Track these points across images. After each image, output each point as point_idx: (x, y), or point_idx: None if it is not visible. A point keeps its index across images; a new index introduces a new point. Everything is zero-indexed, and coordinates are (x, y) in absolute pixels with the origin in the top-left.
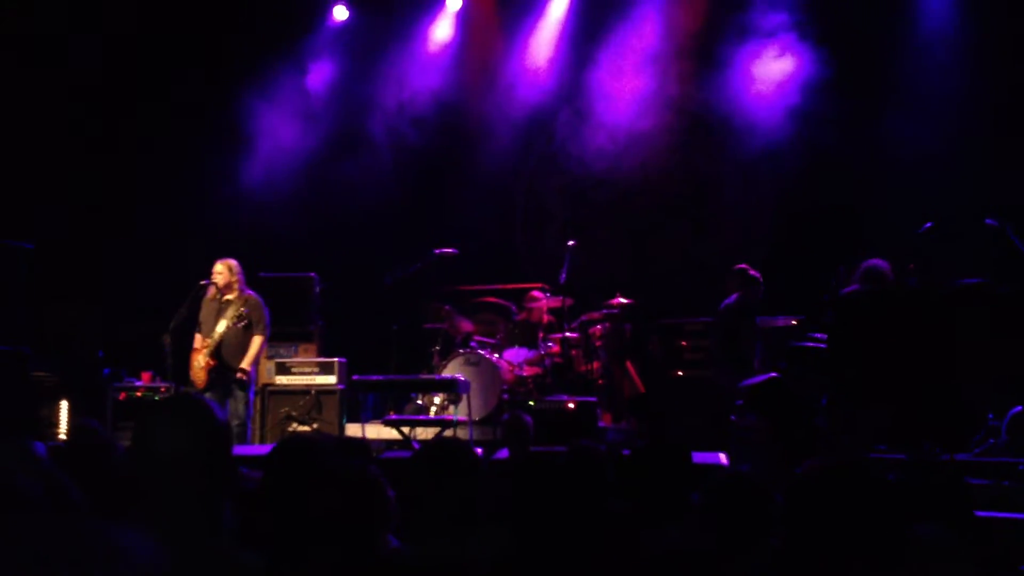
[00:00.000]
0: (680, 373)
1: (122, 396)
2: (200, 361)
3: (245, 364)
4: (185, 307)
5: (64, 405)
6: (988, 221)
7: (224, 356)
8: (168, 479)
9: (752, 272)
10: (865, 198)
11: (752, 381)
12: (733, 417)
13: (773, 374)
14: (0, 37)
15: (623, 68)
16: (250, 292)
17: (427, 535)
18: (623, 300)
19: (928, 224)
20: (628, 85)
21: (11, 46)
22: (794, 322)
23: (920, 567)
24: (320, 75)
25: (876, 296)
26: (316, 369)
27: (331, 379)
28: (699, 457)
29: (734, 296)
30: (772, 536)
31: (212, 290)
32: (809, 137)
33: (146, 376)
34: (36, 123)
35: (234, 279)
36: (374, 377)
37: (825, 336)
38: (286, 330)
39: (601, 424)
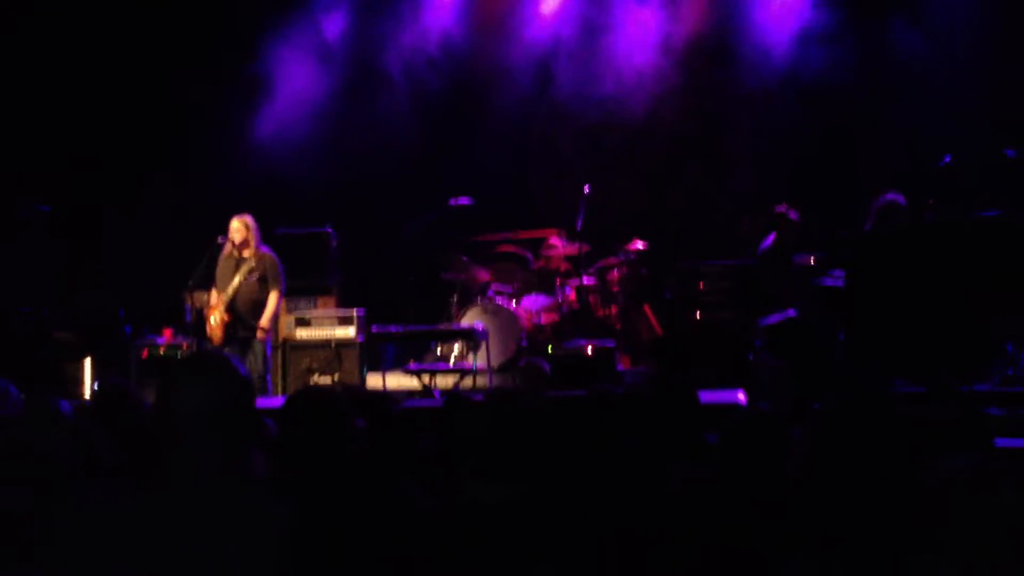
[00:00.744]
0: (698, 315)
1: (144, 353)
2: (216, 317)
3: (264, 322)
4: (203, 264)
5: (87, 364)
6: (1008, 152)
7: (239, 311)
8: (193, 434)
9: (791, 213)
10: (882, 130)
11: (770, 319)
12: (751, 356)
13: (791, 312)
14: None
15: (631, 8)
16: (265, 249)
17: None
18: (640, 244)
19: (947, 157)
20: (637, 25)
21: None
22: (812, 259)
23: (941, 498)
24: (334, 22)
25: (894, 232)
26: (335, 322)
27: (350, 331)
28: (717, 396)
29: (771, 238)
30: (790, 471)
31: (228, 247)
32: (823, 68)
33: (168, 333)
34: (51, 79)
35: (250, 235)
36: (393, 328)
37: (843, 273)
38: (304, 284)
39: (620, 367)
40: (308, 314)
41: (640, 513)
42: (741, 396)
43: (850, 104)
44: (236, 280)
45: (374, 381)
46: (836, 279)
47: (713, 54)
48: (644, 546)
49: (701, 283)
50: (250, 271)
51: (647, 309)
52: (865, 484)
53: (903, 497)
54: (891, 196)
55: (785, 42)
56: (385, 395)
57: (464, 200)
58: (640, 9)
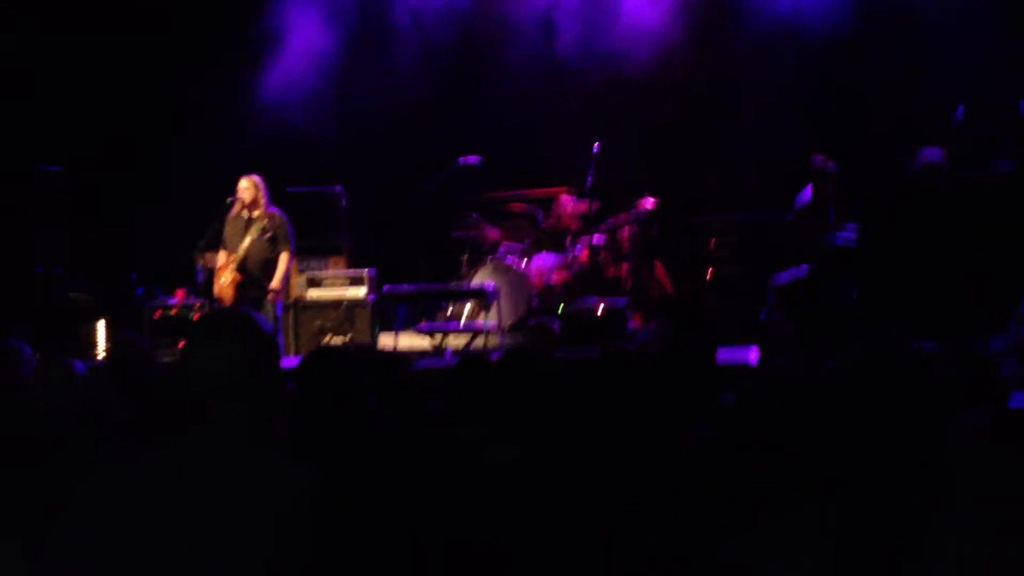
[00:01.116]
0: (709, 272)
1: (157, 314)
2: (227, 277)
3: (275, 283)
4: (214, 225)
5: (101, 325)
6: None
7: (250, 271)
8: (219, 393)
9: (829, 165)
10: (893, 80)
11: (782, 278)
12: (763, 314)
13: (802, 270)
14: None
15: None
16: (274, 209)
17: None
18: (649, 201)
19: (961, 109)
20: None
21: None
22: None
23: (957, 456)
24: None
25: (907, 187)
26: (346, 281)
27: (361, 291)
28: (729, 354)
29: (809, 191)
30: (803, 431)
31: (237, 207)
32: (830, 17)
33: (180, 294)
34: (64, 45)
35: (259, 195)
36: (404, 288)
37: (855, 229)
38: (315, 244)
39: (631, 326)
40: (319, 274)
41: (652, 475)
42: (753, 354)
43: (860, 54)
44: (247, 240)
45: (386, 341)
46: (848, 239)
47: (719, 5)
48: (655, 508)
49: (712, 240)
50: (262, 230)
51: (658, 267)
52: (880, 443)
53: (919, 457)
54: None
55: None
56: (398, 355)
57: (473, 159)
58: None
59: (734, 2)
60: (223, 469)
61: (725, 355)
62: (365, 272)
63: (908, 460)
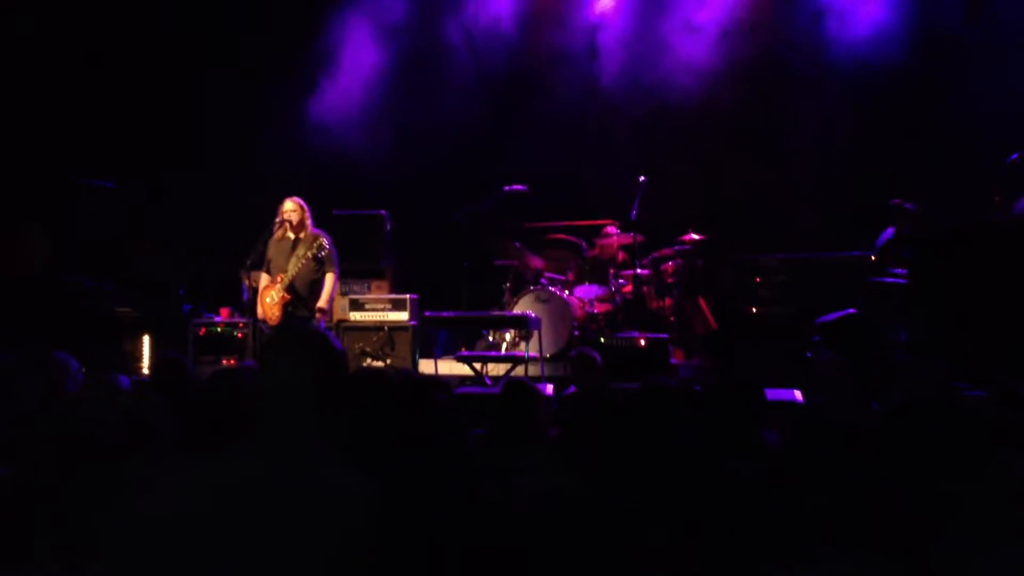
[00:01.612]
0: (754, 309)
1: (202, 331)
2: (274, 297)
3: (322, 303)
4: (261, 243)
5: (146, 340)
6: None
7: (298, 291)
8: (292, 403)
9: (907, 205)
10: (948, 125)
11: (829, 317)
12: (809, 353)
13: (851, 309)
14: None
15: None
16: (319, 231)
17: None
18: (695, 235)
19: (1015, 155)
20: (694, 11)
21: None
22: (873, 257)
23: (1008, 501)
24: (392, 8)
25: (959, 229)
26: (389, 306)
27: (403, 315)
28: (774, 394)
29: (890, 231)
30: (850, 473)
31: (281, 229)
32: (886, 57)
33: (224, 312)
34: (116, 52)
35: (304, 217)
36: (446, 313)
37: (905, 271)
38: (358, 267)
39: (673, 361)
40: (362, 297)
41: (689, 507)
42: (798, 394)
43: (912, 92)
44: (294, 261)
45: (426, 366)
46: (897, 277)
47: (771, 40)
48: (693, 539)
49: (758, 277)
50: (309, 252)
51: (702, 302)
52: (928, 487)
53: (969, 501)
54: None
55: (845, 28)
56: (439, 380)
57: (519, 187)
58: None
59: (784, 36)
60: (287, 479)
61: (768, 394)
62: (408, 297)
63: (954, 505)
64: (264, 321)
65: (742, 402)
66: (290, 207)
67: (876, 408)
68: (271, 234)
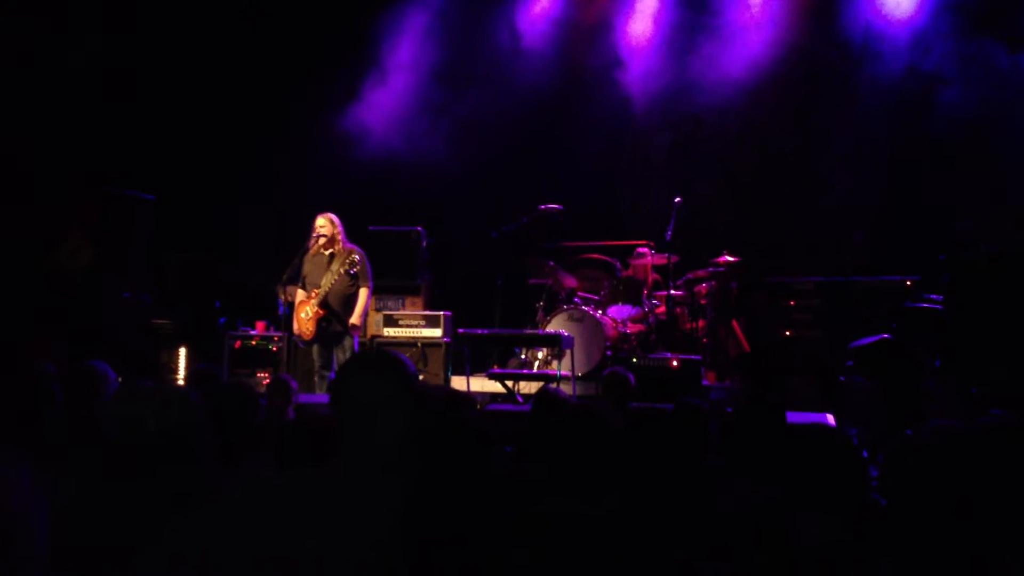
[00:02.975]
0: (788, 333)
1: (237, 344)
2: (308, 312)
3: (355, 318)
4: (297, 258)
5: (182, 352)
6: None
7: (332, 306)
8: (371, 427)
9: None
10: (987, 152)
11: (863, 342)
12: (842, 378)
13: (885, 335)
14: None
15: (729, 18)
16: (352, 245)
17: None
18: (729, 258)
19: None
20: (734, 35)
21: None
22: (908, 282)
23: None
24: (427, 25)
25: (996, 255)
26: (422, 322)
27: (437, 332)
28: (805, 418)
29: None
30: (873, 497)
31: (314, 245)
32: (927, 85)
33: (260, 326)
34: (161, 70)
35: (336, 232)
36: (479, 331)
37: (940, 297)
38: (393, 283)
39: (705, 383)
40: (397, 313)
41: (716, 532)
42: (830, 419)
43: (955, 126)
44: (328, 276)
45: (458, 383)
46: (933, 303)
47: (811, 66)
48: (718, 566)
49: (792, 300)
50: (351, 265)
51: (735, 324)
52: (957, 518)
53: (999, 532)
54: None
55: (888, 63)
56: (470, 396)
57: (554, 206)
58: (738, 19)
59: (825, 58)
60: (358, 496)
61: (800, 418)
62: (441, 314)
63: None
64: (299, 336)
65: (766, 426)
66: (321, 223)
67: (910, 435)
68: (307, 250)
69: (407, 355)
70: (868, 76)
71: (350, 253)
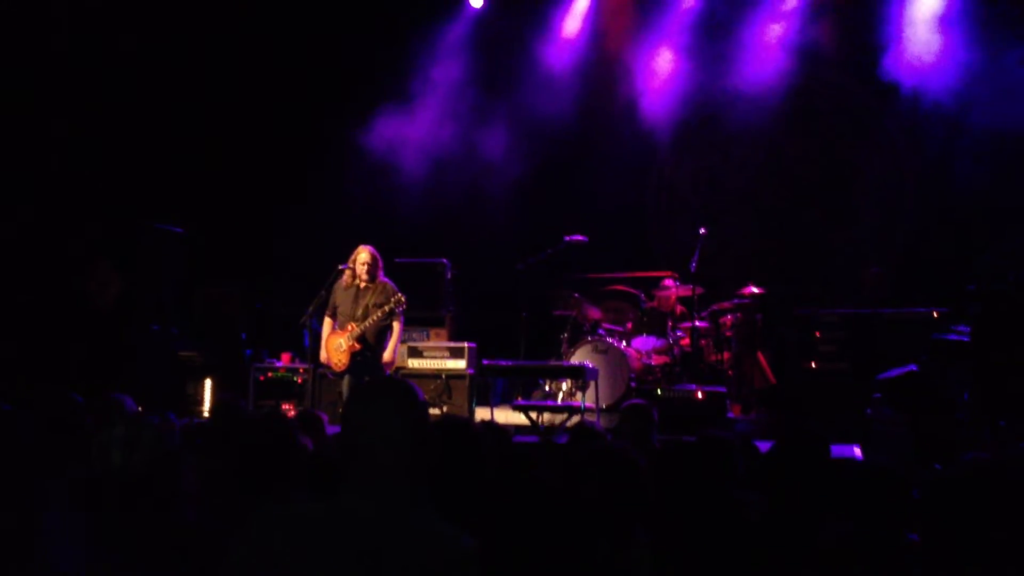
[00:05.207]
0: (813, 365)
1: (262, 377)
2: (343, 345)
3: (388, 355)
4: (324, 291)
5: (208, 384)
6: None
7: (367, 341)
8: (382, 454)
9: None
10: (1014, 182)
11: (890, 373)
12: (869, 410)
13: (912, 367)
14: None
15: (756, 47)
16: (387, 280)
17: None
18: (755, 289)
19: None
20: (761, 65)
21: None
22: (936, 314)
23: None
24: (452, 58)
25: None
26: (447, 353)
27: (461, 363)
28: (833, 451)
29: None
30: (910, 532)
31: (347, 277)
32: (956, 118)
33: (285, 357)
34: (192, 102)
35: (377, 269)
36: (503, 362)
37: (969, 329)
38: (418, 315)
39: (730, 415)
40: (421, 344)
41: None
42: (857, 452)
43: (984, 158)
44: (369, 312)
45: (482, 415)
46: (961, 334)
47: (840, 98)
48: None
49: (817, 332)
50: (396, 304)
51: (760, 356)
52: (989, 552)
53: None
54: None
55: (915, 89)
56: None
57: (579, 237)
58: (765, 48)
59: (854, 91)
60: (382, 526)
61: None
62: (466, 345)
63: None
64: (328, 367)
65: (809, 460)
66: (364, 258)
67: (939, 469)
68: (337, 277)
69: (431, 387)
70: (896, 108)
71: (385, 287)
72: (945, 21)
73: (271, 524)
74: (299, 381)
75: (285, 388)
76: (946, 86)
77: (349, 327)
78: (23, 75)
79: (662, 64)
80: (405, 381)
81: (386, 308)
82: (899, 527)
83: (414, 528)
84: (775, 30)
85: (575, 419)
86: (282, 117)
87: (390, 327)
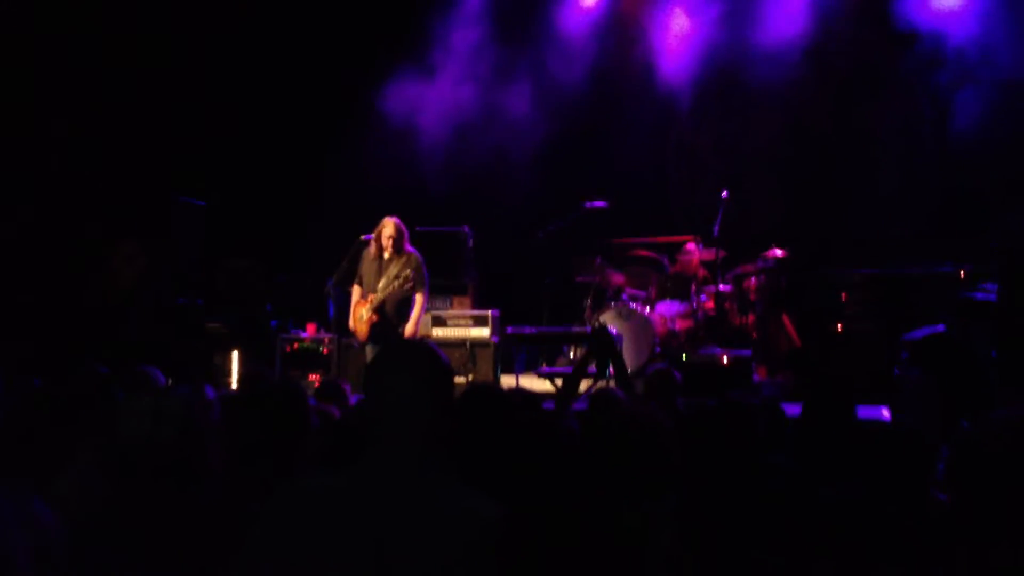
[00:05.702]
0: (839, 326)
1: (288, 348)
2: (363, 315)
3: (409, 328)
4: (346, 261)
5: (235, 355)
6: None
7: (386, 312)
8: (402, 420)
9: None
10: None
11: (917, 333)
12: (896, 371)
13: (940, 326)
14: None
15: (777, 9)
16: (412, 250)
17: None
18: (778, 252)
19: None
20: (782, 25)
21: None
22: (962, 272)
23: None
24: (473, 23)
25: None
26: (470, 322)
27: (485, 332)
28: (860, 412)
29: None
30: (937, 491)
31: (373, 247)
32: (978, 66)
33: (311, 328)
34: (208, 82)
35: (402, 237)
36: (527, 330)
37: (995, 286)
38: (440, 283)
39: (756, 378)
40: (444, 313)
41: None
42: (885, 413)
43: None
44: (385, 281)
45: (507, 383)
46: (988, 292)
47: (861, 57)
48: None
49: (843, 293)
50: (403, 276)
51: (785, 319)
52: (1015, 510)
53: None
54: None
55: (936, 46)
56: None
57: (600, 203)
58: (784, 10)
59: (875, 49)
60: (406, 495)
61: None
62: (489, 313)
63: None
64: (354, 335)
65: (834, 423)
66: (388, 226)
67: (965, 427)
68: (360, 247)
69: (456, 355)
70: (918, 67)
71: (409, 258)
72: None
73: (288, 498)
74: (324, 351)
75: (311, 358)
76: (968, 35)
77: (369, 297)
78: (47, 51)
79: (680, 25)
80: (427, 345)
81: (396, 283)
82: (926, 487)
83: (436, 496)
84: None
85: (600, 385)
86: (302, 86)
87: (412, 299)
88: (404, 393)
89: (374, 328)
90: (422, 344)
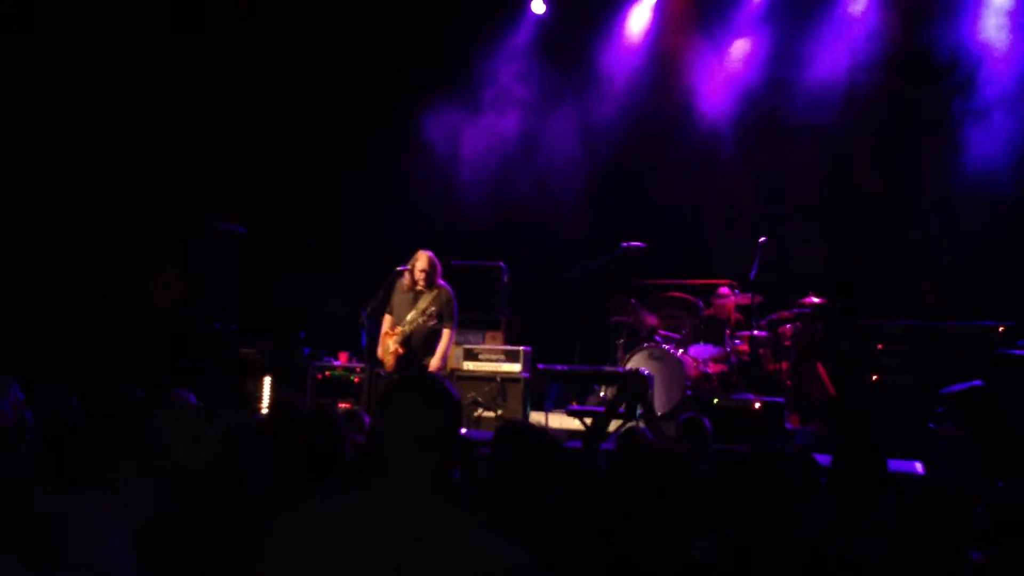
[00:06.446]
0: (875, 377)
1: (319, 376)
2: (390, 346)
3: (435, 361)
4: (382, 291)
5: (267, 381)
6: None
7: (413, 345)
8: (410, 453)
9: None
10: None
11: (954, 388)
12: (932, 425)
13: (977, 381)
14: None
15: (819, 59)
16: (444, 284)
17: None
18: (815, 299)
19: None
20: (824, 76)
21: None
22: (1002, 328)
23: None
24: (516, 63)
25: None
26: (502, 357)
27: (516, 367)
28: (894, 465)
29: None
30: (973, 550)
31: (407, 279)
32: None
33: (343, 356)
34: (247, 108)
35: (435, 270)
36: (559, 367)
37: None
38: (474, 317)
39: (788, 426)
40: (477, 347)
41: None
42: (919, 467)
43: None
44: (413, 314)
45: (537, 419)
46: None
47: (904, 105)
48: None
49: (880, 344)
50: (430, 312)
51: (820, 367)
52: None
53: None
54: None
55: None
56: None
57: (637, 244)
58: (827, 59)
59: (918, 97)
60: (413, 528)
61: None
62: (521, 349)
63: None
64: (382, 367)
65: (865, 473)
66: (421, 265)
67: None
68: (396, 278)
69: (486, 389)
70: (963, 114)
71: (440, 292)
72: (1016, 15)
73: (294, 523)
74: (356, 380)
75: (342, 387)
76: (1016, 76)
77: (397, 329)
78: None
79: (724, 69)
80: (437, 378)
81: (429, 312)
82: (961, 545)
83: (457, 535)
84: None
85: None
86: (347, 117)
87: (439, 333)
88: (411, 425)
89: (400, 360)
90: (432, 378)
